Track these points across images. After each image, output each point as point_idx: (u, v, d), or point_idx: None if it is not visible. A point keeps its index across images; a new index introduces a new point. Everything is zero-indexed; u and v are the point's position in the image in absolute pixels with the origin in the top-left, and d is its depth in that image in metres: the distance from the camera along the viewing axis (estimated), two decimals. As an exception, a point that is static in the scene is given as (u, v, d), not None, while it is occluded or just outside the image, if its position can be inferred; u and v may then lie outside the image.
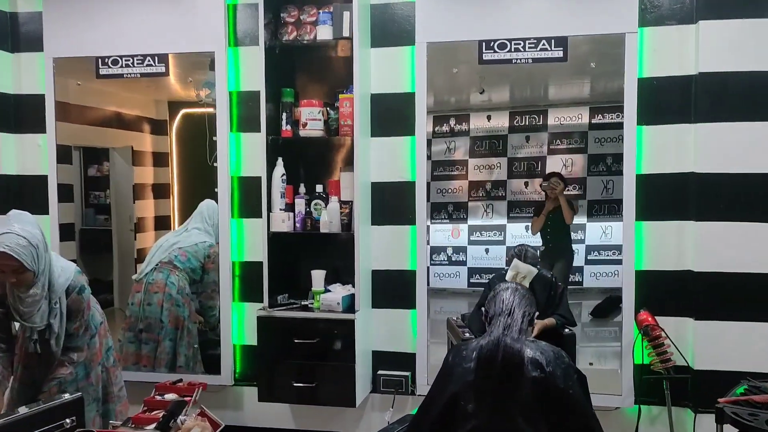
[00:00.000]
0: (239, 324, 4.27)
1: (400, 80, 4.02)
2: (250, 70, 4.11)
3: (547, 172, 3.99)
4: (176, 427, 2.73)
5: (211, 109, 4.16)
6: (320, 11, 3.91)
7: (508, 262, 3.78)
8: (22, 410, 2.53)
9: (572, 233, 3.99)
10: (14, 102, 4.47)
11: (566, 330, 3.67)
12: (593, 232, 3.97)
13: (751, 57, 3.54)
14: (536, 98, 4.06)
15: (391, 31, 4.02)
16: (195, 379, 3.43)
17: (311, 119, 3.90)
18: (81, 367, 3.15)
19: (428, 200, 3.94)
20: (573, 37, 3.71)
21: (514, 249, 3.79)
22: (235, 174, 4.22)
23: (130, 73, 4.20)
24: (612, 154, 3.88)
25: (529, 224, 4.06)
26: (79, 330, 3.13)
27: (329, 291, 3.96)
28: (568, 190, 3.96)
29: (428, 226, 3.95)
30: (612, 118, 3.86)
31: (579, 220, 3.97)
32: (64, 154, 4.43)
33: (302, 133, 3.93)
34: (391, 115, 4.03)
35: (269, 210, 3.93)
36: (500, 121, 4.03)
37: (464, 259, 4.12)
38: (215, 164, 4.15)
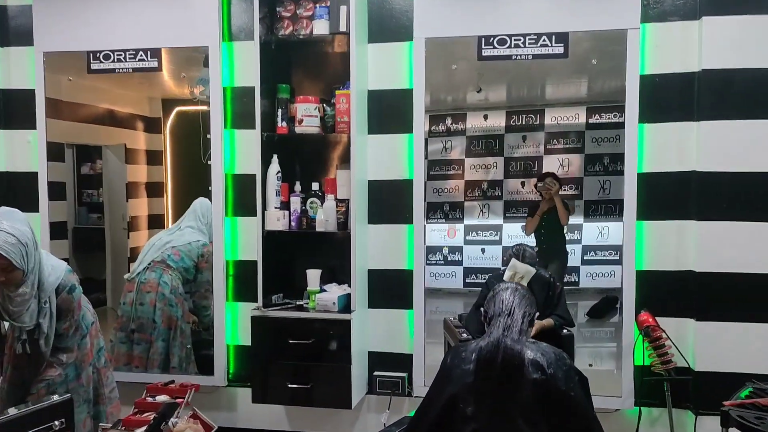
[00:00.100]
0: (233, 324, 4.24)
1: (397, 76, 3.99)
2: (245, 66, 4.08)
3: (544, 171, 3.97)
4: (167, 430, 2.69)
5: (205, 107, 4.13)
6: (317, 5, 3.88)
7: (506, 262, 3.77)
8: (12, 411, 2.50)
9: (569, 233, 3.98)
10: (3, 97, 4.43)
11: (564, 331, 3.67)
12: (590, 232, 3.95)
13: (755, 53, 3.52)
14: (533, 98, 4.04)
15: (389, 26, 3.99)
16: (188, 380, 3.41)
17: (307, 116, 3.87)
18: (71, 368, 3.11)
19: (424, 200, 3.92)
20: (574, 34, 3.69)
21: (512, 249, 3.77)
22: (230, 171, 4.19)
23: (122, 68, 4.16)
24: (609, 153, 3.87)
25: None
26: (69, 330, 3.09)
27: (325, 291, 3.93)
28: (564, 190, 3.94)
29: (424, 226, 3.93)
30: (609, 118, 3.85)
31: (576, 220, 3.96)
32: (56, 152, 4.40)
33: (298, 129, 3.89)
34: (389, 111, 4.01)
35: (264, 208, 3.90)
36: (497, 121, 4.01)
37: (460, 259, 4.10)
38: (209, 162, 4.12)
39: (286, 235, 3.96)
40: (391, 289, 4.06)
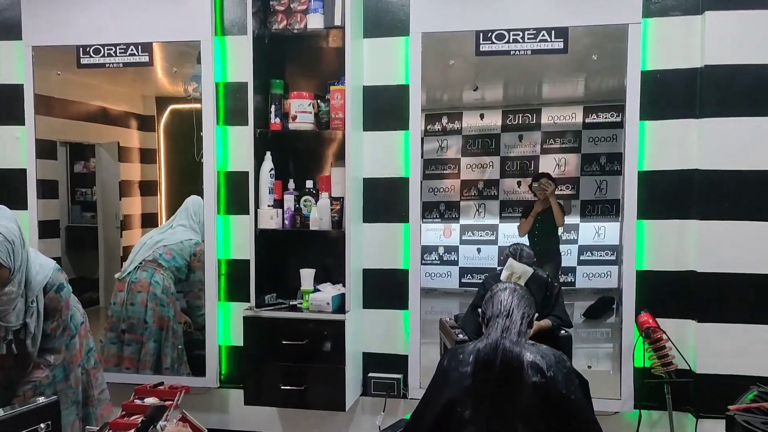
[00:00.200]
0: (225, 324, 4.21)
1: (393, 72, 3.96)
2: (238, 61, 4.04)
3: (540, 171, 3.95)
4: (156, 434, 2.61)
5: (199, 105, 4.10)
6: (311, -1, 3.85)
7: (502, 262, 3.75)
8: (-1, 412, 2.45)
9: (565, 233, 3.97)
10: (-9, 92, 4.39)
11: (562, 332, 3.65)
12: (586, 232, 3.95)
13: (759, 49, 3.49)
14: (530, 97, 4.03)
15: (385, 20, 3.96)
16: (180, 381, 3.35)
17: (301, 112, 3.83)
18: (60, 369, 3.06)
19: (420, 197, 3.91)
20: (574, 29, 3.67)
21: (509, 248, 3.75)
22: (222, 169, 4.16)
23: (113, 63, 4.13)
24: (606, 153, 3.86)
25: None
26: (57, 330, 3.04)
27: (319, 290, 3.90)
28: (560, 189, 3.93)
29: (420, 224, 3.92)
30: (606, 118, 3.84)
31: (572, 220, 3.95)
32: (48, 150, 4.39)
33: (292, 126, 3.86)
34: (385, 108, 3.98)
35: (257, 206, 3.87)
36: (493, 120, 4.00)
37: (456, 259, 4.09)
38: (203, 160, 4.09)
39: (280, 233, 3.93)
40: (386, 289, 4.03)
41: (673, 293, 3.70)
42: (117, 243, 4.53)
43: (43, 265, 2.99)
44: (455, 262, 4.09)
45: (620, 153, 3.72)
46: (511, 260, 3.64)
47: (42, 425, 2.52)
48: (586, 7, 3.62)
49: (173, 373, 4.12)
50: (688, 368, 3.63)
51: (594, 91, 3.93)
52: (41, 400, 2.58)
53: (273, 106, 3.88)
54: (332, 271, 4.00)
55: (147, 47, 4.08)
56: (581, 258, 3.94)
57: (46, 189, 4.35)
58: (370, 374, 4.05)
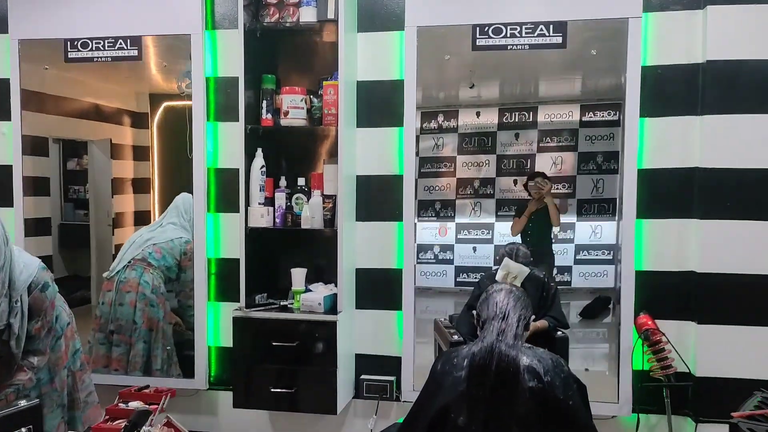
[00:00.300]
0: (215, 325, 4.17)
1: (388, 67, 3.92)
2: (229, 55, 4.00)
3: (536, 170, 3.94)
4: (139, 439, 2.54)
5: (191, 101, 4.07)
6: (304, -9, 3.81)
7: (498, 261, 3.73)
8: (-21, 417, 2.37)
9: (562, 232, 3.96)
10: (-24, 87, 4.35)
11: (559, 333, 3.63)
12: (582, 231, 3.94)
13: (763, 44, 3.45)
14: (526, 95, 4.03)
15: (379, 14, 3.92)
16: (168, 383, 3.31)
17: (293, 107, 3.79)
18: (45, 371, 2.99)
19: (415, 197, 3.88)
20: (573, 23, 3.61)
21: (505, 248, 3.74)
22: (212, 166, 4.12)
23: (101, 57, 4.07)
24: (603, 152, 3.85)
25: (517, 223, 4.06)
26: (41, 331, 2.95)
27: (310, 290, 3.87)
28: (556, 188, 3.91)
29: (415, 224, 3.89)
30: (603, 116, 3.83)
31: (568, 219, 3.94)
32: (40, 146, 4.37)
33: (283, 122, 3.82)
34: (379, 104, 3.94)
35: (247, 204, 3.83)
36: (489, 118, 4.00)
37: (451, 258, 4.09)
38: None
39: (271, 232, 3.88)
40: (379, 289, 4.00)
41: (672, 294, 3.66)
42: (109, 241, 4.50)
43: (27, 264, 2.91)
44: (451, 261, 4.08)
45: (617, 151, 3.70)
46: (507, 260, 3.62)
47: (23, 429, 2.45)
48: (585, 0, 3.58)
49: (163, 375, 4.09)
50: (688, 371, 3.59)
51: (591, 89, 3.93)
52: (22, 403, 2.52)
53: (264, 102, 3.83)
54: (324, 270, 3.97)
55: (136, 41, 4.02)
56: (577, 257, 3.93)
57: (38, 186, 4.32)
58: (363, 376, 4.02)
